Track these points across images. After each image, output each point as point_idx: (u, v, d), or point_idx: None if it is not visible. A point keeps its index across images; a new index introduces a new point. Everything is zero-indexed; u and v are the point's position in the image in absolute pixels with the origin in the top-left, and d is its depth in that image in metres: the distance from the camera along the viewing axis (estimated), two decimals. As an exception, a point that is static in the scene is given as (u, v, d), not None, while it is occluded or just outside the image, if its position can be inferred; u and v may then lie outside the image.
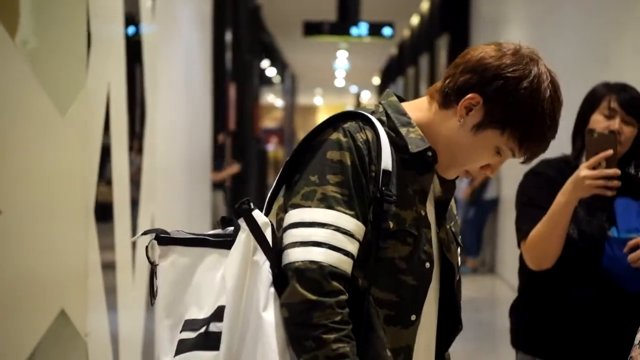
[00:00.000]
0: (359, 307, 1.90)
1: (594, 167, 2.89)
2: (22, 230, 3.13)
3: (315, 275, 1.83)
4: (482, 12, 12.42)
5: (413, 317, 1.96)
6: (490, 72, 1.93)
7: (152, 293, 1.94)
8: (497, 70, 1.93)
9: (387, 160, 1.92)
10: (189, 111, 8.40)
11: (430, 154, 1.97)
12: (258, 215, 1.88)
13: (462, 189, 10.53)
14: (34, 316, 3.23)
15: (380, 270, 1.92)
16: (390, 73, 26.57)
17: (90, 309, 3.64)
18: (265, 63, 21.71)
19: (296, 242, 1.87)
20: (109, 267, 4.18)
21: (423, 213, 1.98)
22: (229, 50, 12.22)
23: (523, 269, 3.09)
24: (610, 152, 2.89)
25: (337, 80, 33.81)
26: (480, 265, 11.55)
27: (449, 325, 2.11)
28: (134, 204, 4.99)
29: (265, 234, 1.87)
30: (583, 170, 2.89)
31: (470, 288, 10.17)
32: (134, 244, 4.46)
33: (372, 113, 2.00)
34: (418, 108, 2.03)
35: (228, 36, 12.04)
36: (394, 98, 2.04)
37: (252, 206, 1.88)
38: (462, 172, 2.03)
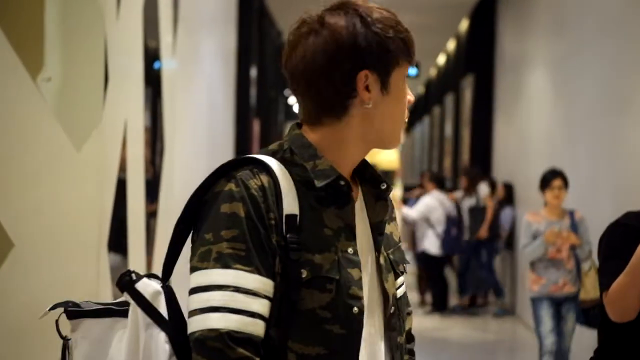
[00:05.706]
0: None
1: None
2: (34, 263, 3.13)
3: (216, 344, 1.67)
4: (506, 53, 12.44)
5: None
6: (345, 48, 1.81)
7: None
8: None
9: (290, 204, 1.76)
10: (210, 145, 8.42)
11: (342, 182, 1.81)
12: (145, 285, 1.78)
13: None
14: (42, 349, 3.23)
15: (301, 324, 1.75)
16: (417, 111, 26.59)
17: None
18: (292, 99, 21.79)
19: (195, 310, 1.71)
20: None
21: (351, 251, 1.81)
22: (254, 85, 12.28)
23: (605, 321, 3.05)
24: None
25: (363, 117, 33.77)
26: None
27: None
28: (150, 238, 5.00)
29: (156, 304, 1.77)
30: None
31: (490, 330, 10.06)
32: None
33: (275, 153, 1.85)
34: (311, 130, 1.89)
35: (253, 72, 12.09)
36: (298, 131, 1.89)
37: (134, 277, 1.78)
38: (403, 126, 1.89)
